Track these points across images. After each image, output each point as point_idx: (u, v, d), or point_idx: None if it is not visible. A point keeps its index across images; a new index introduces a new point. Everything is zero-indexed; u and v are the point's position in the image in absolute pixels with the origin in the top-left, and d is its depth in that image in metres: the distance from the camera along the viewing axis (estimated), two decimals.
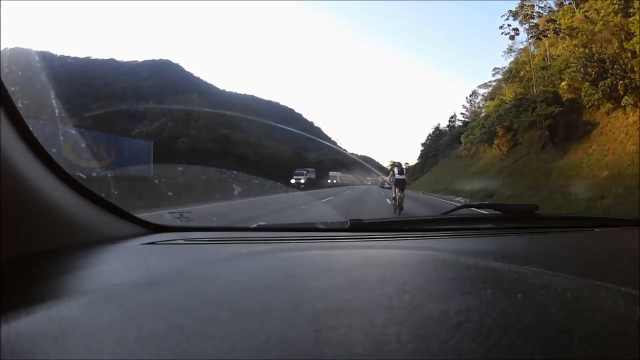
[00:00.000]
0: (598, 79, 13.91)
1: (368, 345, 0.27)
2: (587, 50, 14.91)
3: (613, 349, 0.27)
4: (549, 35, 19.49)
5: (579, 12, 17.65)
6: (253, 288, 0.41)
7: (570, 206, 9.85)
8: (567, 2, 19.34)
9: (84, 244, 0.80)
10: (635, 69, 13.28)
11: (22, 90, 0.83)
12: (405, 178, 8.56)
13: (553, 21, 19.31)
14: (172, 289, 0.42)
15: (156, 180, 7.46)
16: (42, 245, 0.72)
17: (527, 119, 17.60)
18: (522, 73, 22.46)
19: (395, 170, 8.53)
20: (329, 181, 40.18)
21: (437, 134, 54.72)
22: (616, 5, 14.24)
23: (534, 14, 20.79)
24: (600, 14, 14.98)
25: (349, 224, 1.07)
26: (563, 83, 17.44)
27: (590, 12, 16.27)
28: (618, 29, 14.18)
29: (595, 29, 15.13)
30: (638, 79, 13.01)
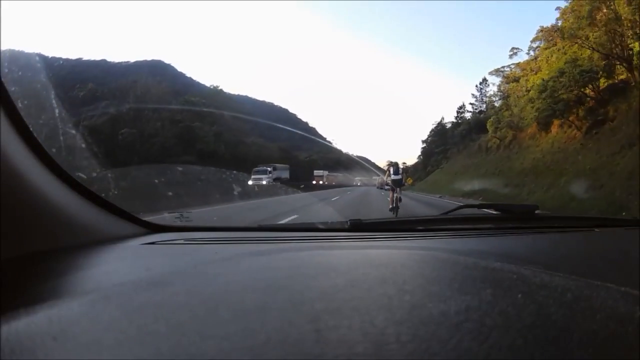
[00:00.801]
0: None
1: (368, 345, 0.27)
2: None
3: (613, 349, 0.27)
4: None
5: None
6: (253, 288, 0.41)
7: None
8: None
9: (84, 244, 0.80)
10: None
11: (22, 90, 0.83)
12: (401, 178, 8.36)
13: None
14: (172, 289, 0.42)
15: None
16: (42, 245, 0.72)
17: None
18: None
19: (391, 170, 8.34)
20: (313, 182, 34.27)
21: (440, 129, 51.46)
22: None
23: None
24: None
25: (349, 224, 1.07)
26: None
27: None
28: None
29: None
30: None
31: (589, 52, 15.48)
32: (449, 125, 49.84)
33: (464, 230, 1.09)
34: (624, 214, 7.40)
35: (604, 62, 14.63)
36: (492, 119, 25.86)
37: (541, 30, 23.88)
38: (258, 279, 0.46)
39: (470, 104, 43.54)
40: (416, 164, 62.43)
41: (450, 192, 20.16)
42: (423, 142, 59.91)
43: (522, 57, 28.88)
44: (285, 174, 30.36)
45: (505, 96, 29.23)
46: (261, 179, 21.41)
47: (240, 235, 1.10)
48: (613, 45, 14.59)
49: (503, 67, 32.35)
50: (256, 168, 24.29)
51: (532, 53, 26.30)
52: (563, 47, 17.85)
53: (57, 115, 1.00)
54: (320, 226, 1.15)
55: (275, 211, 7.41)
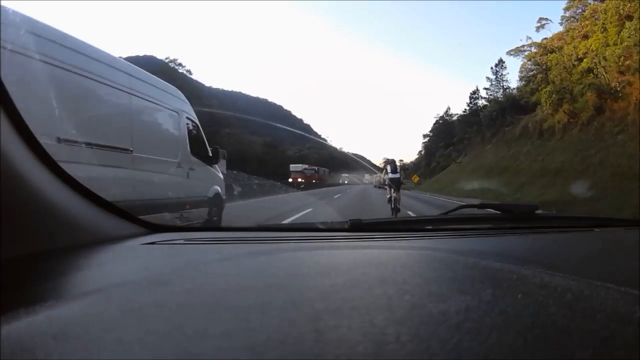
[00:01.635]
0: None
1: (368, 345, 0.27)
2: None
3: (613, 349, 0.27)
4: None
5: None
6: (253, 288, 0.41)
7: None
8: None
9: (84, 244, 0.80)
10: None
11: (22, 90, 0.83)
12: (399, 176, 7.81)
13: None
14: (172, 289, 0.42)
15: None
16: (42, 245, 0.72)
17: None
18: None
19: (388, 168, 7.75)
20: (290, 180, 27.08)
21: (443, 122, 47.40)
22: None
23: None
24: None
25: (349, 224, 1.07)
26: None
27: None
28: None
29: None
30: None
31: None
32: (455, 116, 45.20)
33: (464, 230, 1.09)
34: None
35: None
36: (548, 89, 18.47)
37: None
38: (258, 279, 0.46)
39: (485, 88, 39.11)
40: (417, 160, 57.41)
41: (474, 194, 14.80)
42: (424, 136, 55.01)
43: (551, 30, 26.27)
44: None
45: (544, 69, 24.97)
46: None
47: (240, 235, 1.10)
48: None
49: (523, 45, 28.99)
50: None
51: (565, 23, 24.24)
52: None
53: (57, 115, 1.00)
54: (320, 226, 1.15)
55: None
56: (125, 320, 0.32)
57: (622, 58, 14.95)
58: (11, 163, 0.66)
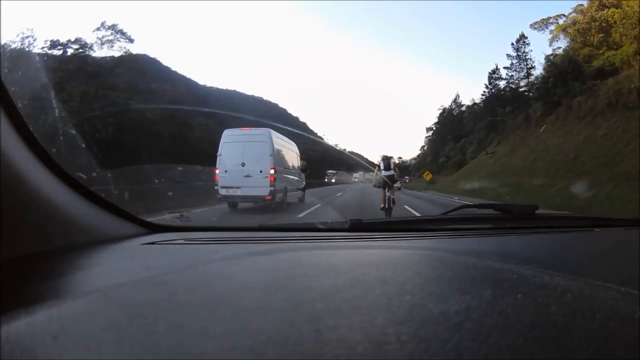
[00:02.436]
0: None
1: (368, 345, 0.27)
2: None
3: (613, 349, 0.27)
4: None
5: None
6: (253, 288, 0.41)
7: None
8: None
9: (84, 244, 0.80)
10: None
11: (22, 90, 0.83)
12: (393, 174, 7.11)
13: None
14: (172, 289, 0.42)
15: None
16: (42, 245, 0.72)
17: None
18: None
19: (381, 165, 7.08)
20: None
21: (453, 111, 42.50)
22: None
23: None
24: None
25: (349, 224, 1.07)
26: None
27: None
28: None
29: None
30: None
31: None
32: (464, 106, 40.50)
33: (464, 230, 1.09)
34: None
35: None
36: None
37: None
38: (258, 279, 0.46)
39: (506, 67, 34.26)
40: (420, 156, 52.77)
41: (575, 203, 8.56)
42: (428, 130, 50.06)
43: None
44: None
45: (606, 27, 21.16)
46: None
47: (240, 235, 1.10)
48: None
49: (549, 17, 25.67)
50: None
51: None
52: None
53: (57, 115, 1.00)
54: (320, 226, 1.15)
55: None
56: (126, 320, 0.32)
57: None
58: (11, 163, 0.66)
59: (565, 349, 0.27)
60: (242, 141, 7.54)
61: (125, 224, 0.97)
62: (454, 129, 41.01)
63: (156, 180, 8.02)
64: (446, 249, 0.82)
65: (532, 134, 21.03)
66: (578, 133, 15.88)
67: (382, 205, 6.87)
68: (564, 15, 26.28)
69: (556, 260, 0.77)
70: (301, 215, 7.08)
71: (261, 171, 7.22)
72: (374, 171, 7.68)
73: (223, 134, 7.81)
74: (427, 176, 25.03)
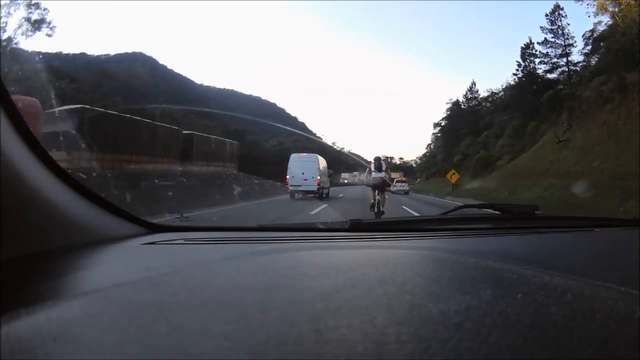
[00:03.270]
0: None
1: (368, 345, 0.27)
2: None
3: (613, 349, 0.27)
4: None
5: None
6: (253, 288, 0.41)
7: None
8: None
9: (84, 244, 0.80)
10: None
11: (22, 90, 0.83)
12: (385, 176, 6.73)
13: None
14: (172, 289, 0.42)
15: None
16: (42, 245, 0.72)
17: None
18: None
19: (372, 166, 6.66)
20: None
21: (470, 100, 35.73)
22: None
23: None
24: None
25: (349, 224, 1.07)
26: None
27: None
28: None
29: None
30: None
31: None
32: (483, 95, 33.85)
33: (464, 230, 1.09)
34: None
35: None
36: None
37: None
38: (258, 279, 0.46)
39: (540, 43, 28.51)
40: (428, 155, 46.98)
41: None
42: (435, 125, 43.76)
43: None
44: None
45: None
46: None
47: (240, 235, 1.09)
48: None
49: None
50: None
51: None
52: None
53: (57, 115, 1.00)
54: (320, 226, 1.15)
55: None
56: (125, 320, 0.32)
57: None
58: (11, 163, 0.66)
59: (565, 349, 0.27)
60: (301, 161, 12.99)
61: (125, 224, 0.97)
62: (469, 123, 35.51)
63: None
64: (446, 249, 0.82)
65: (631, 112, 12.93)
66: None
67: (372, 201, 6.63)
68: None
69: (556, 260, 0.77)
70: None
71: (312, 177, 12.71)
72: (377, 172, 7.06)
73: (290, 157, 13.43)
74: (454, 177, 19.69)
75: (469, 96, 39.33)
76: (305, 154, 13.62)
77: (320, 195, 12.70)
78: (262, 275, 0.48)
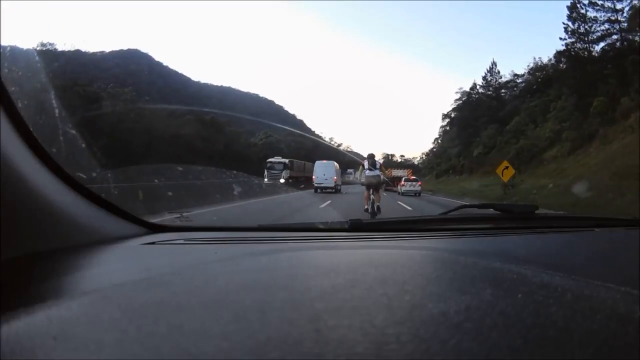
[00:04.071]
0: None
1: (368, 345, 0.27)
2: None
3: (613, 349, 0.27)
4: None
5: None
6: (253, 288, 0.41)
7: None
8: None
9: (84, 244, 0.80)
10: None
11: (22, 90, 0.83)
12: (379, 174, 6.38)
13: None
14: (172, 289, 0.42)
15: None
16: (42, 245, 0.72)
17: None
18: None
19: (366, 164, 6.34)
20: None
21: (492, 84, 29.51)
22: None
23: None
24: None
25: (349, 224, 1.07)
26: None
27: None
28: None
29: None
30: None
31: None
32: (505, 78, 27.72)
33: (464, 230, 1.09)
34: None
35: None
36: None
37: None
38: (258, 279, 0.46)
39: (581, 15, 21.44)
40: (436, 150, 41.65)
41: None
42: (444, 117, 36.71)
43: None
44: None
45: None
46: None
47: (240, 235, 1.09)
48: None
49: None
50: None
51: None
52: None
53: (57, 115, 1.00)
54: (320, 226, 1.15)
55: None
56: (125, 320, 0.32)
57: None
58: (11, 163, 0.66)
59: (565, 349, 0.27)
60: (324, 166, 18.34)
61: (125, 224, 0.97)
62: (491, 109, 29.13)
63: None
64: (446, 249, 0.82)
65: None
66: None
67: (366, 207, 6.28)
68: None
69: (556, 260, 0.77)
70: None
71: (331, 177, 17.71)
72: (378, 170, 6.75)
73: (315, 163, 18.81)
74: (508, 172, 12.13)
75: (489, 78, 31.80)
76: (325, 160, 18.72)
77: (335, 190, 17.47)
78: (262, 276, 0.48)
